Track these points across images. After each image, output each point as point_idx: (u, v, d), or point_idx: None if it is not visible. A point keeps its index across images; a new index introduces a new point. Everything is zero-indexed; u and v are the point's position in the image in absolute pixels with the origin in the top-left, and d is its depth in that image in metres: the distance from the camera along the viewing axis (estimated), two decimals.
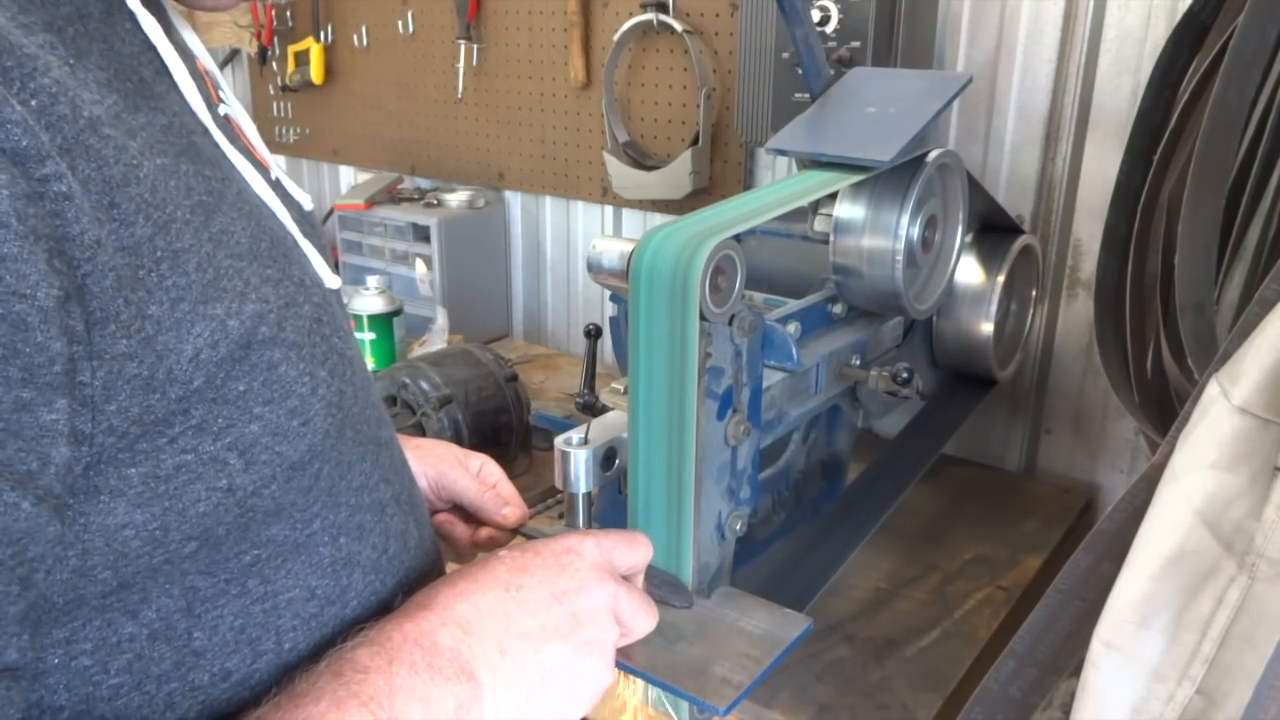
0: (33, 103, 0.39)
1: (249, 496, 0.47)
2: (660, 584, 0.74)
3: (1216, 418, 0.60)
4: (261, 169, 0.55)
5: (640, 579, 0.67)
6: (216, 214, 0.47)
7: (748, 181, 1.56)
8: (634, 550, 0.65)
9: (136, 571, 0.44)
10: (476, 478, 0.81)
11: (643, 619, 0.62)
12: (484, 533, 0.80)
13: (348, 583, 0.54)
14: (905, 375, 0.93)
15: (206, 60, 0.57)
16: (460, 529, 0.80)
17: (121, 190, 0.41)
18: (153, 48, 0.50)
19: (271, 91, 2.25)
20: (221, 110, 0.55)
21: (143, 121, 0.45)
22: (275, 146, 2.31)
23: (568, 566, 0.59)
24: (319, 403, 0.51)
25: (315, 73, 2.09)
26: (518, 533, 0.79)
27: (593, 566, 0.60)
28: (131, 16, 0.49)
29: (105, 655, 0.45)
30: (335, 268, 2.02)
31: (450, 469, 0.80)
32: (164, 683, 0.47)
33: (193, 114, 0.51)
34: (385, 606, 0.56)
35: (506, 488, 0.81)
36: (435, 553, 0.66)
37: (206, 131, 0.51)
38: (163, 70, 0.50)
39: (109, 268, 0.40)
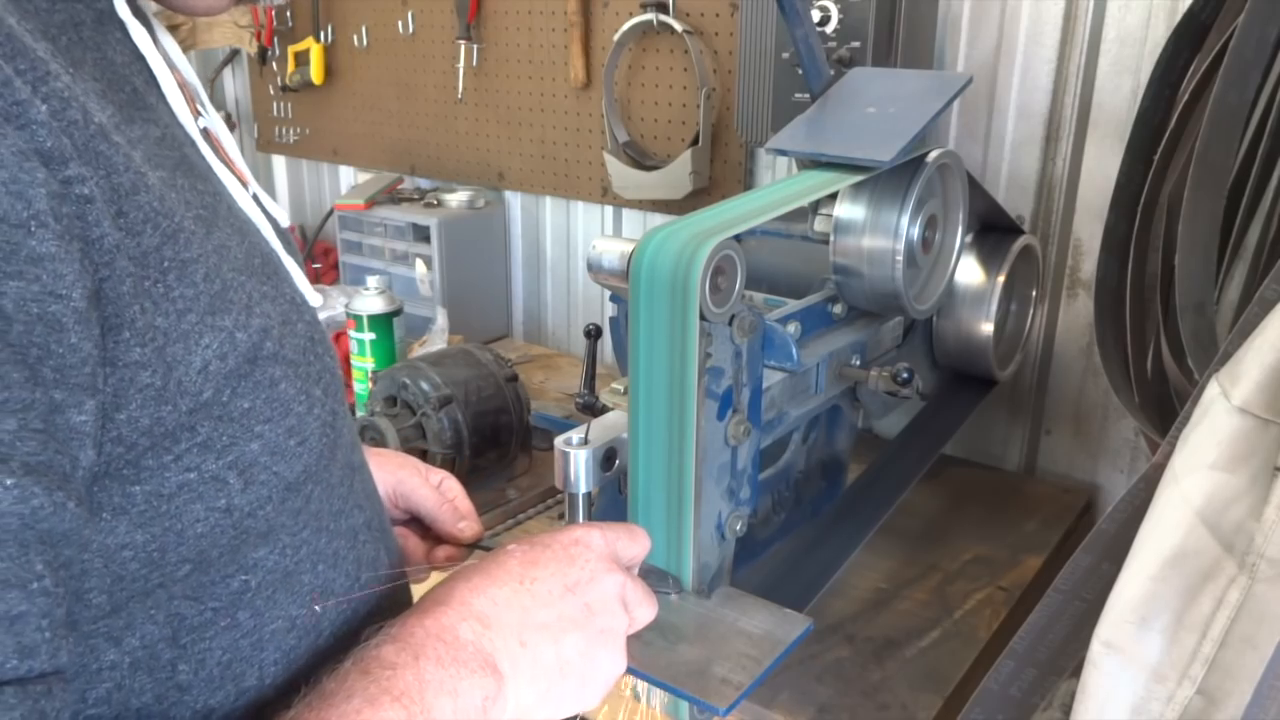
0: (46, 106, 0.39)
1: (245, 518, 0.47)
2: (647, 572, 0.75)
3: (1216, 418, 0.60)
4: (240, 183, 0.55)
5: (635, 570, 0.67)
6: (214, 229, 0.47)
7: (748, 181, 1.56)
8: (634, 542, 0.65)
9: (130, 595, 0.43)
10: (436, 490, 0.79)
11: (646, 608, 0.63)
12: (442, 552, 0.78)
13: (322, 612, 0.54)
14: (905, 375, 0.93)
15: (186, 71, 0.57)
16: (414, 542, 0.78)
17: (130, 199, 0.41)
18: (141, 58, 0.49)
19: (271, 91, 2.25)
20: (201, 123, 0.55)
21: (139, 134, 0.45)
22: (275, 146, 2.32)
23: (578, 558, 0.59)
24: (314, 422, 0.50)
25: (315, 73, 2.09)
26: (477, 547, 0.78)
27: (601, 557, 0.61)
28: (121, 26, 0.49)
29: (84, 683, 0.43)
30: (335, 272, 1.99)
31: (410, 477, 0.78)
32: (142, 717, 0.45)
33: (181, 126, 0.50)
34: (355, 636, 0.56)
35: (465, 503, 0.80)
36: (405, 583, 0.65)
37: (194, 144, 0.51)
38: (151, 81, 0.49)
39: (126, 274, 0.40)
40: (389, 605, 0.59)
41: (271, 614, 0.50)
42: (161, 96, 0.50)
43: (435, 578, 0.80)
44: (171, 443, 0.43)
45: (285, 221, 0.61)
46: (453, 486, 0.81)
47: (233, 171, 0.55)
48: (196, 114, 0.55)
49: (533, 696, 0.54)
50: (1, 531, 0.35)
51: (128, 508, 0.42)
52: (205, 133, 0.55)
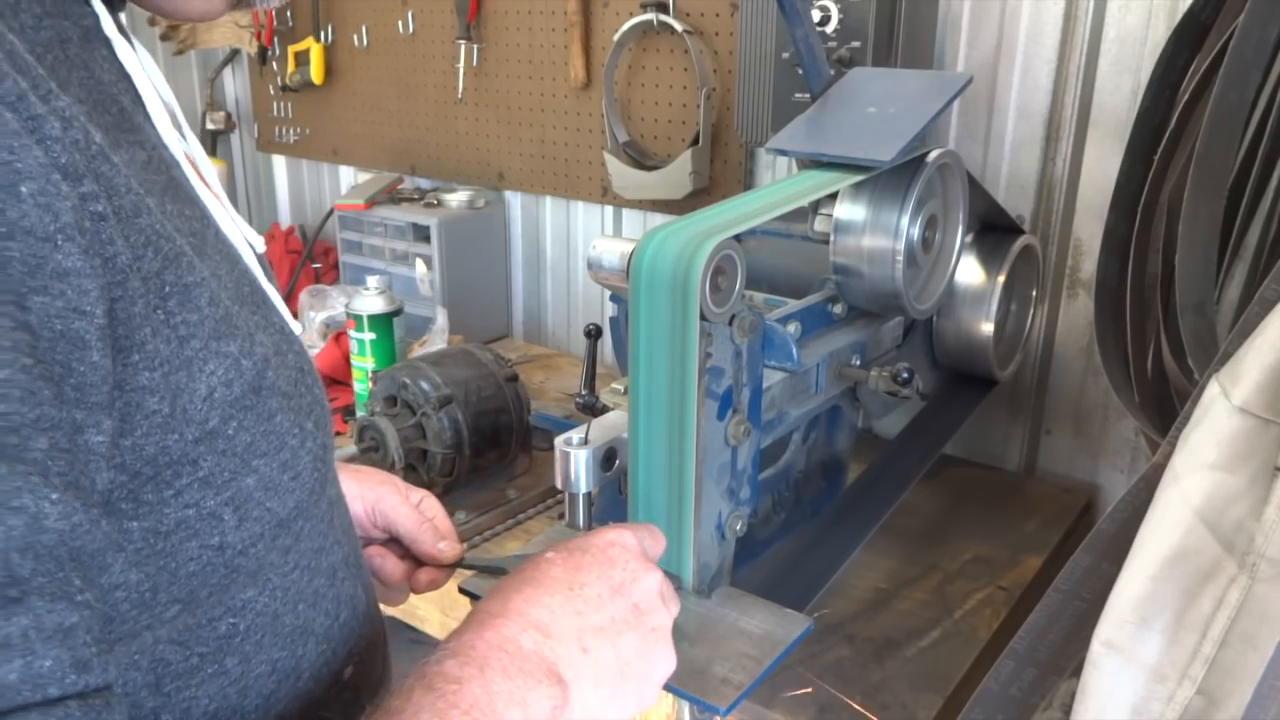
0: (58, 123, 0.38)
1: (236, 555, 0.45)
2: None
3: (1217, 418, 0.60)
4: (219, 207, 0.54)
5: None
6: (204, 255, 0.46)
7: (748, 181, 1.56)
8: (656, 542, 0.66)
9: (117, 639, 0.42)
10: (416, 509, 0.77)
11: (676, 604, 0.63)
12: (425, 575, 0.76)
13: (302, 653, 0.52)
14: (905, 375, 0.93)
15: (165, 91, 0.54)
16: (392, 563, 0.76)
17: (132, 222, 0.40)
18: (127, 76, 0.48)
19: (271, 91, 2.25)
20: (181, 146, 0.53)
21: (127, 157, 0.44)
22: (275, 146, 2.32)
23: (618, 560, 0.59)
24: (307, 456, 0.49)
25: (315, 73, 2.09)
26: (460, 566, 0.77)
27: (637, 556, 0.61)
28: (107, 43, 0.47)
29: None
30: (335, 272, 1.98)
31: (389, 495, 0.76)
32: None
33: (166, 148, 0.49)
34: (335, 678, 0.54)
35: (444, 523, 0.78)
36: (380, 617, 0.64)
37: (179, 167, 0.49)
38: (137, 100, 0.48)
39: (137, 295, 0.39)
40: (366, 645, 0.58)
41: (258, 658, 0.49)
42: (147, 116, 0.48)
43: (414, 600, 0.80)
44: (173, 476, 0.42)
45: (261, 247, 0.59)
46: (432, 506, 0.79)
47: (212, 194, 0.53)
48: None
49: (597, 702, 0.53)
50: (39, 547, 0.34)
51: (124, 545, 0.41)
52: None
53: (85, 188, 0.38)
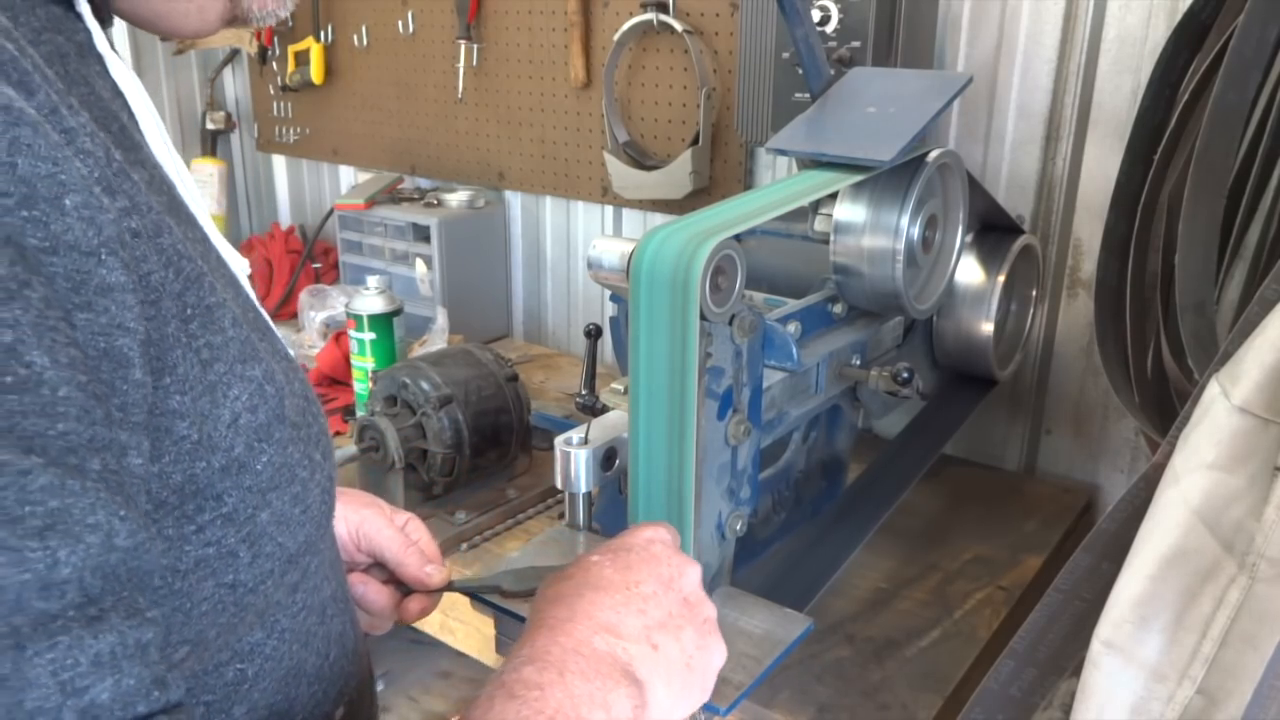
0: (89, 138, 0.37)
1: (247, 594, 0.44)
2: None
3: (1217, 417, 0.60)
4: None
5: None
6: (215, 278, 0.45)
7: (748, 181, 1.56)
8: (678, 540, 0.65)
9: None
10: (401, 531, 0.74)
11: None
12: (415, 604, 0.73)
13: (295, 695, 0.50)
14: (905, 375, 0.93)
15: (153, 110, 0.52)
16: (375, 589, 0.72)
17: (155, 241, 0.39)
18: (121, 94, 0.47)
19: (271, 91, 2.25)
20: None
21: (133, 177, 0.42)
22: (275, 146, 2.32)
23: (661, 556, 0.59)
24: (316, 488, 0.48)
25: (315, 73, 2.09)
26: (448, 590, 0.74)
27: (677, 550, 0.61)
28: (101, 59, 0.46)
29: None
30: (335, 272, 1.97)
31: (374, 517, 0.73)
32: None
33: (161, 167, 0.47)
34: (328, 718, 0.53)
35: (430, 546, 0.75)
36: (367, 653, 0.62)
37: (176, 187, 0.48)
38: (132, 118, 0.47)
39: (170, 315, 0.39)
40: (356, 684, 0.57)
41: (262, 704, 0.47)
42: (143, 135, 0.47)
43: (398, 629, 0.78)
44: (195, 510, 0.41)
45: (248, 269, 0.57)
46: (418, 528, 0.76)
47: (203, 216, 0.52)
48: None
49: (669, 699, 0.53)
50: (106, 566, 0.34)
51: None
52: None
53: (120, 203, 0.37)
